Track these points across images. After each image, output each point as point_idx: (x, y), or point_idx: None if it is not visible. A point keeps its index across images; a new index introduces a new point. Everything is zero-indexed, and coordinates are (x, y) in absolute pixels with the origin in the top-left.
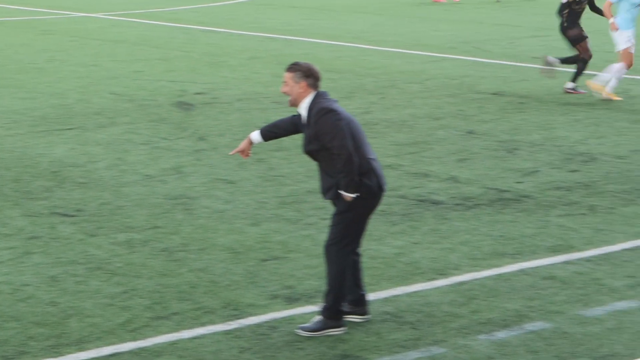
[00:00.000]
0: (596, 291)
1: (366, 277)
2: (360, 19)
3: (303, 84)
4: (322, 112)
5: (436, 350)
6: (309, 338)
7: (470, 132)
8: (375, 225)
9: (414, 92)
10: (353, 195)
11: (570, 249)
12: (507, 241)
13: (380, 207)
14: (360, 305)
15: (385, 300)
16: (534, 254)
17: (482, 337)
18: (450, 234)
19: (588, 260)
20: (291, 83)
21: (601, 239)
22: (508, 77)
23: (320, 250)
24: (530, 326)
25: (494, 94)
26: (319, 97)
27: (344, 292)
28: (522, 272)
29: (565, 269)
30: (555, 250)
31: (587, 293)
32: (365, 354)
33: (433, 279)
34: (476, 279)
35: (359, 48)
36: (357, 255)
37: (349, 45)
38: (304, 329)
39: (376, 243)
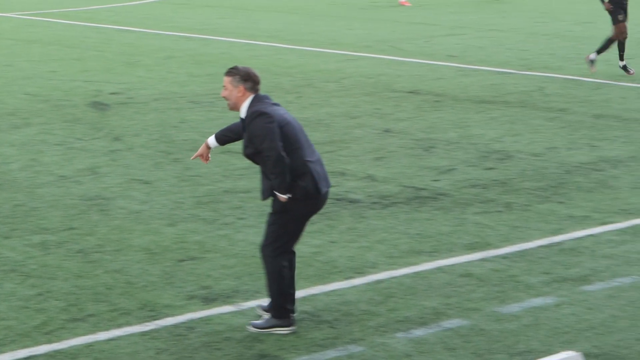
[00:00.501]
0: (512, 288)
1: None
2: (276, 18)
3: (241, 87)
4: (254, 115)
5: (354, 348)
6: (226, 338)
7: (387, 131)
8: None
9: (330, 91)
10: (286, 196)
11: (486, 246)
12: (424, 239)
13: None
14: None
15: (303, 299)
16: (450, 251)
17: (399, 335)
18: (368, 233)
19: (504, 257)
20: (230, 87)
21: (517, 236)
22: (424, 76)
23: (237, 250)
24: (448, 323)
25: (410, 92)
26: (255, 100)
27: (287, 291)
28: (439, 269)
29: (482, 266)
30: (471, 247)
31: (504, 290)
32: (283, 353)
33: (350, 277)
34: (393, 277)
35: (275, 47)
36: (292, 253)
37: (264, 44)
38: (253, 325)
39: None
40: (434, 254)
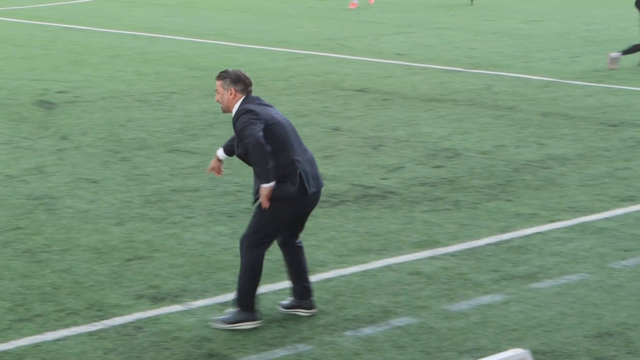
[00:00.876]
0: (461, 286)
1: (232, 276)
2: (224, 16)
3: (232, 90)
4: (240, 112)
5: (303, 347)
6: (174, 338)
7: (335, 129)
8: (240, 223)
9: (279, 89)
10: (269, 185)
11: (435, 244)
12: (373, 237)
13: (245, 205)
14: (304, 298)
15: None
16: (399, 249)
17: (348, 333)
18: (316, 231)
19: (453, 255)
20: (221, 90)
21: (466, 234)
22: (372, 74)
23: (185, 249)
24: (397, 322)
25: (359, 90)
26: (245, 100)
27: (256, 286)
28: (388, 268)
29: (431, 264)
30: (420, 245)
31: (452, 288)
32: (232, 352)
33: None
34: (342, 276)
35: (222, 45)
36: (299, 247)
37: (212, 42)
38: (221, 320)
39: None
40: (382, 252)
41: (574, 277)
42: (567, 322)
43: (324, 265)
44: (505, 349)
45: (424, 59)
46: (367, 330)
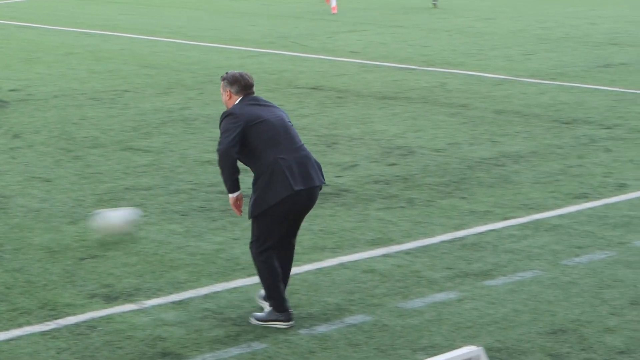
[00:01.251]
0: (415, 283)
1: (186, 274)
2: (178, 14)
3: (228, 91)
4: (223, 116)
5: (257, 345)
6: (128, 337)
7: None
8: (194, 221)
9: None
10: (232, 196)
11: (389, 242)
12: (327, 235)
13: (199, 203)
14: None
15: (206, 296)
16: (353, 247)
17: (303, 331)
18: None
19: (407, 252)
20: (222, 92)
21: (420, 231)
22: (326, 72)
23: (139, 247)
24: (351, 319)
25: (313, 88)
26: (241, 101)
27: (278, 287)
28: (342, 266)
29: (385, 262)
30: (374, 243)
31: (407, 285)
32: (186, 351)
33: (253, 274)
34: (296, 274)
35: (176, 43)
36: (288, 248)
37: (166, 40)
38: (254, 317)
39: (196, 239)
40: (337, 250)
41: (527, 274)
42: (521, 319)
43: None
44: (459, 346)
45: (378, 57)
46: (322, 329)
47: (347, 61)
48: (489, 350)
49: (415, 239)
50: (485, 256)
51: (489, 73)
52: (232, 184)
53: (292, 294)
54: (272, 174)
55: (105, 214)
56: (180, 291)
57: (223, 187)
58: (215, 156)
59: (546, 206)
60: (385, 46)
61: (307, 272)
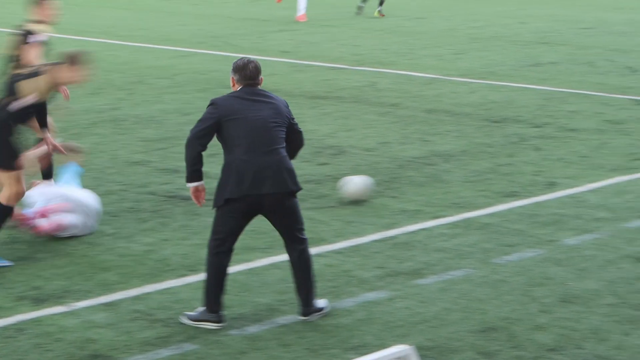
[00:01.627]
0: (346, 283)
1: (115, 276)
2: (107, 14)
3: (232, 79)
4: (209, 104)
5: (188, 347)
6: (57, 339)
7: None
8: (124, 222)
9: (163, 87)
10: (189, 185)
11: (320, 241)
12: (258, 235)
13: (129, 205)
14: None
15: (136, 298)
16: (284, 247)
17: (233, 332)
18: (201, 230)
19: (338, 252)
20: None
21: (351, 231)
22: None
23: (68, 249)
24: (282, 319)
25: None
26: (239, 90)
27: (217, 288)
28: (273, 266)
29: (316, 262)
30: None
31: (338, 285)
32: (116, 353)
33: (184, 275)
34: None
35: (106, 43)
36: (297, 252)
37: (95, 40)
38: (187, 316)
39: (125, 241)
40: (268, 250)
41: (458, 273)
42: (451, 318)
43: None
44: (390, 345)
45: (308, 57)
46: (253, 329)
47: (278, 61)
48: (419, 349)
49: (347, 238)
50: (416, 255)
51: (419, 72)
52: (191, 174)
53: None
54: (229, 173)
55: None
56: (110, 293)
57: (153, 188)
58: (145, 157)
59: (476, 205)
60: (316, 45)
61: (238, 273)
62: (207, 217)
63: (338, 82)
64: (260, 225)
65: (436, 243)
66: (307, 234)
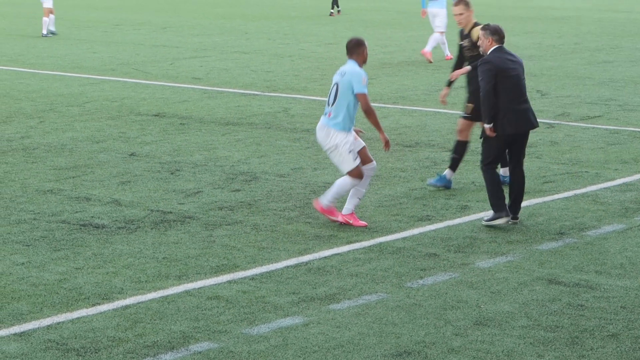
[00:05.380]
0: (261, 309)
1: (28, 305)
2: (15, 42)
3: (490, 39)
4: (481, 61)
5: None
6: None
7: (132, 155)
8: (36, 251)
9: (74, 115)
10: (487, 126)
11: (234, 268)
12: (172, 263)
13: (41, 233)
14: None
15: (49, 328)
16: (198, 274)
17: None
18: (114, 258)
19: (252, 278)
20: (482, 38)
21: (265, 257)
22: (169, 98)
23: None
24: (196, 347)
25: (155, 115)
26: (495, 50)
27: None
28: (187, 293)
29: (230, 288)
30: (219, 270)
31: (252, 311)
32: None
33: (97, 304)
34: (141, 302)
35: (14, 71)
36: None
37: (4, 68)
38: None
39: (37, 270)
40: (181, 277)
41: (372, 297)
42: (366, 342)
43: (122, 292)
44: None
45: (220, 83)
46: (167, 357)
47: (189, 87)
48: None
49: (261, 264)
50: (330, 280)
51: None
52: (486, 114)
53: (136, 322)
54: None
55: None
56: (22, 322)
57: (65, 216)
58: (57, 185)
59: (390, 229)
60: (228, 72)
61: (152, 300)
62: (120, 245)
63: (250, 109)
64: (173, 252)
65: (350, 268)
66: (222, 261)
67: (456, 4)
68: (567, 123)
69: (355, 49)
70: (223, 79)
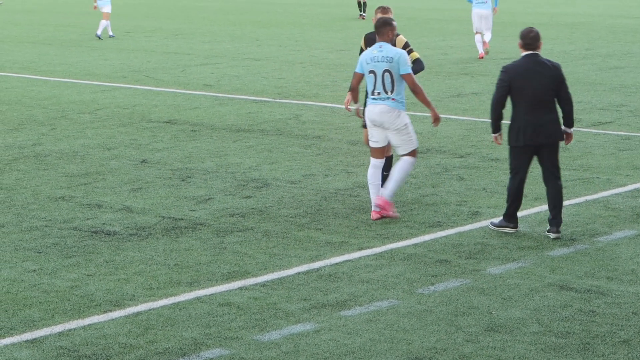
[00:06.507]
0: (272, 315)
1: (40, 312)
2: (27, 49)
3: (519, 43)
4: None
5: None
6: None
7: (144, 161)
8: (48, 258)
9: (85, 122)
10: (494, 135)
11: (246, 274)
12: (183, 269)
13: (52, 240)
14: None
15: (60, 334)
16: (209, 281)
17: None
18: (126, 265)
19: (263, 285)
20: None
21: (276, 263)
22: (180, 105)
23: None
24: (208, 353)
25: (167, 122)
26: (523, 57)
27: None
28: (199, 299)
29: (242, 295)
30: (231, 276)
31: (264, 318)
32: None
33: (109, 310)
34: (152, 309)
35: (26, 78)
36: (550, 181)
37: (16, 75)
38: (491, 223)
39: (49, 277)
40: (193, 284)
41: (383, 304)
42: (377, 349)
43: (133, 299)
44: None
45: (231, 90)
46: None
47: (200, 94)
48: None
49: (272, 271)
50: (341, 287)
51: (343, 105)
52: (493, 124)
53: (148, 329)
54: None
55: None
56: (34, 329)
57: (77, 223)
58: (69, 192)
59: (401, 235)
60: (239, 79)
61: (163, 307)
62: (132, 252)
63: (261, 115)
64: (184, 259)
65: (361, 274)
66: (233, 267)
67: None
68: (578, 129)
69: (381, 29)
70: (234, 86)
